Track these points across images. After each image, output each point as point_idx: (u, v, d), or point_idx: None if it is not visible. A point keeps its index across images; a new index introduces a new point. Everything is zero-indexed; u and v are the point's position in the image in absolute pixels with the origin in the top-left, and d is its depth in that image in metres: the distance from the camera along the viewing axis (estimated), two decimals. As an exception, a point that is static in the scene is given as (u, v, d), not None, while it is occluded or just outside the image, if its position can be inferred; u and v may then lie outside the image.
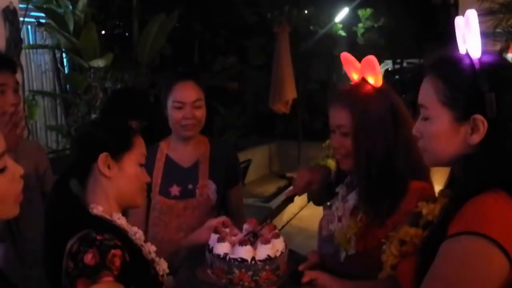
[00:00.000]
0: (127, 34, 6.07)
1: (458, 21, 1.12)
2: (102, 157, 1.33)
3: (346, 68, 1.61)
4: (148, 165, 1.92)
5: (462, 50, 1.11)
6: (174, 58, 6.24)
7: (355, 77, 1.58)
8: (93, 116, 5.15)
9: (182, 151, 2.08)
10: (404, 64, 8.80)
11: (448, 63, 1.11)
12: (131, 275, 1.22)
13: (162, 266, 1.41)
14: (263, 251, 1.39)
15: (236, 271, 1.36)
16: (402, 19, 7.57)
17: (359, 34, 7.82)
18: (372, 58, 1.51)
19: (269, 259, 1.38)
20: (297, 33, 7.04)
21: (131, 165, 1.38)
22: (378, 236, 1.41)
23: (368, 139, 1.47)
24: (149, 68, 5.75)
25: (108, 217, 1.33)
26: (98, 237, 1.19)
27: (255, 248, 1.40)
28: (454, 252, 0.98)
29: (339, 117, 1.52)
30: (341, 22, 7.63)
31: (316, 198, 1.90)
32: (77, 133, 1.47)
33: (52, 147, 5.63)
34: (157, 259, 1.41)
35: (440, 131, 1.09)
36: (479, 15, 1.11)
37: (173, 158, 2.08)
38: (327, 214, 1.70)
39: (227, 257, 1.38)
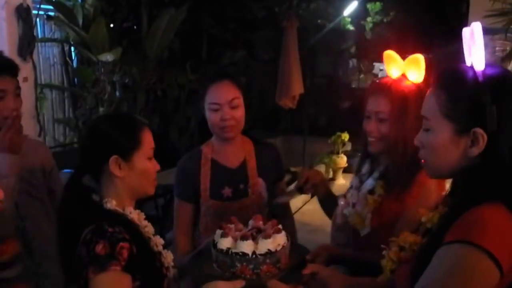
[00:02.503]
0: (135, 27, 6.06)
1: (465, 32, 1.13)
2: (113, 160, 1.39)
3: (386, 64, 1.73)
4: (193, 172, 2.00)
5: (467, 61, 1.12)
6: (182, 52, 6.23)
7: (395, 73, 1.71)
8: (101, 109, 5.18)
9: (227, 152, 2.03)
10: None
11: (452, 76, 1.12)
12: (137, 267, 1.30)
13: (168, 258, 1.49)
14: (264, 245, 1.46)
15: (238, 265, 1.44)
16: (412, 14, 7.51)
17: (367, 29, 7.78)
18: (419, 56, 1.66)
19: (269, 253, 1.45)
20: (305, 28, 7.00)
21: (141, 162, 1.44)
22: (393, 210, 1.63)
23: (404, 128, 1.62)
24: (157, 62, 5.76)
25: (120, 210, 1.42)
26: (110, 229, 1.29)
27: (256, 243, 1.48)
28: (446, 258, 1.00)
29: (379, 104, 1.68)
30: (349, 16, 7.58)
31: (323, 206, 2.06)
32: (85, 136, 1.48)
33: (59, 140, 5.66)
34: (163, 251, 1.49)
35: (441, 143, 1.10)
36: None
37: (218, 161, 2.03)
38: (341, 203, 1.84)
39: (230, 251, 1.46)
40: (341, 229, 1.84)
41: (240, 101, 1.94)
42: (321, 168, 6.52)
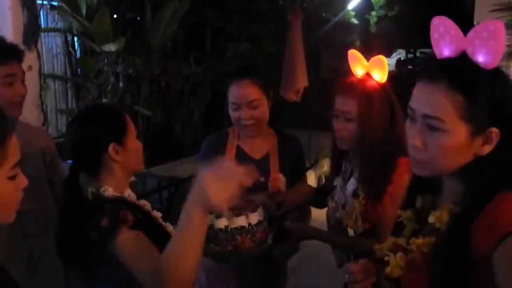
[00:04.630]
0: (139, 18, 6.03)
1: (481, 31, 1.04)
2: (112, 147, 1.45)
3: (351, 63, 1.78)
4: (219, 152, 2.01)
5: (479, 59, 1.04)
6: (186, 44, 6.21)
7: (359, 72, 1.76)
8: (104, 100, 5.16)
9: (252, 143, 2.04)
10: (417, 54, 8.71)
11: (467, 75, 1.04)
12: (145, 230, 1.37)
13: (169, 229, 1.57)
14: (254, 218, 1.73)
15: (238, 237, 1.68)
16: (417, 8, 7.48)
17: (372, 22, 7.75)
18: (382, 58, 1.73)
19: (259, 223, 1.74)
20: (309, 21, 6.97)
21: (132, 142, 1.52)
22: (378, 211, 1.69)
23: (370, 125, 1.68)
24: (160, 53, 5.73)
25: (119, 195, 1.47)
26: (109, 206, 1.38)
27: (247, 217, 1.72)
28: None
29: (346, 104, 1.72)
30: (353, 10, 7.55)
31: (316, 205, 2.16)
32: (76, 134, 1.50)
33: (62, 130, 5.64)
34: (164, 223, 1.57)
35: (455, 144, 1.04)
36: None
37: (244, 149, 2.04)
38: (331, 205, 1.90)
39: (228, 228, 1.68)
40: (336, 229, 1.89)
41: (260, 101, 1.93)
42: (326, 162, 6.50)
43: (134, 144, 1.52)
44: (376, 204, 1.70)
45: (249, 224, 1.70)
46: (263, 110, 1.95)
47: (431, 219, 1.12)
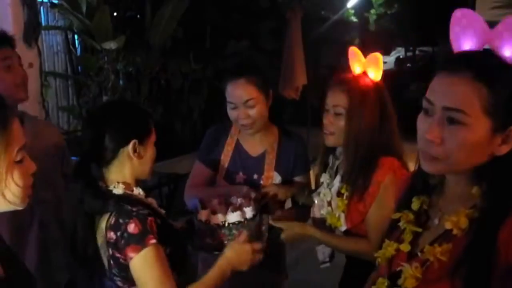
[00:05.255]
0: (139, 16, 6.04)
1: (510, 24, 0.99)
2: (133, 143, 1.46)
3: (350, 60, 1.78)
4: (219, 145, 2.08)
5: (506, 53, 1.00)
6: (186, 41, 6.22)
7: (357, 69, 1.76)
8: (104, 98, 5.18)
9: (251, 139, 2.05)
10: (417, 52, 8.72)
11: (493, 67, 0.99)
12: (164, 236, 1.41)
13: (177, 226, 1.66)
14: (249, 213, 1.75)
15: (235, 232, 1.71)
16: (416, 6, 7.48)
17: (371, 21, 7.76)
18: (378, 55, 1.72)
19: (253, 217, 1.76)
20: (308, 19, 6.98)
21: (151, 148, 1.54)
22: (360, 211, 1.69)
23: (359, 122, 1.67)
24: (160, 51, 5.75)
25: (130, 193, 1.48)
26: (133, 209, 1.38)
27: (243, 212, 1.74)
28: None
29: (337, 98, 1.72)
30: (353, 8, 7.56)
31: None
32: (100, 122, 1.49)
33: (63, 127, 5.67)
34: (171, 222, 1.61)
35: (476, 140, 0.98)
36: (497, 7, 1.06)
37: (242, 145, 2.06)
38: (317, 202, 1.90)
39: (226, 223, 1.71)
40: (320, 225, 1.87)
41: (256, 100, 1.92)
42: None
43: (151, 150, 1.53)
44: (358, 205, 1.69)
45: (245, 219, 1.72)
46: (260, 109, 1.94)
47: (448, 225, 1.03)
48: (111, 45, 4.97)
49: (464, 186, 1.05)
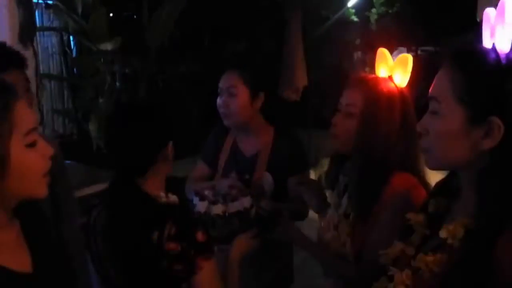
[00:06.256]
0: (136, 17, 5.97)
1: (489, 12, 0.99)
2: (170, 146, 1.40)
3: (376, 62, 1.60)
4: (219, 143, 2.15)
5: (487, 43, 0.97)
6: (184, 42, 6.15)
7: (382, 73, 1.58)
8: (101, 100, 5.10)
9: (245, 139, 2.11)
10: (419, 52, 8.63)
11: (470, 55, 0.98)
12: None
13: None
14: (247, 202, 1.79)
15: (235, 221, 1.74)
16: (418, 5, 7.41)
17: (372, 20, 7.66)
18: (408, 57, 1.53)
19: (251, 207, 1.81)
20: (309, 19, 6.91)
21: (171, 147, 1.46)
22: (364, 235, 1.46)
23: (372, 128, 1.48)
24: (158, 52, 5.67)
25: (171, 201, 1.40)
26: (191, 217, 1.38)
27: (241, 201, 1.79)
28: None
29: (351, 96, 1.54)
30: (353, 7, 7.47)
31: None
32: (137, 127, 1.38)
33: (58, 131, 5.59)
34: None
35: (450, 130, 0.96)
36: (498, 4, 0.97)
37: (238, 145, 2.12)
38: (323, 224, 1.71)
39: (226, 213, 1.74)
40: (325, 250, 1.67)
41: (239, 91, 1.99)
42: (327, 161, 6.44)
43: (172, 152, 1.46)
44: (364, 227, 1.48)
45: (245, 208, 1.75)
46: (240, 102, 1.99)
47: (443, 233, 0.99)
48: (108, 46, 4.90)
49: (472, 191, 0.98)
